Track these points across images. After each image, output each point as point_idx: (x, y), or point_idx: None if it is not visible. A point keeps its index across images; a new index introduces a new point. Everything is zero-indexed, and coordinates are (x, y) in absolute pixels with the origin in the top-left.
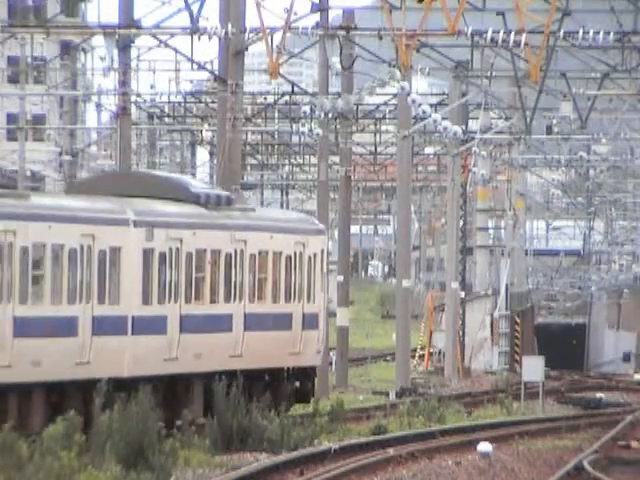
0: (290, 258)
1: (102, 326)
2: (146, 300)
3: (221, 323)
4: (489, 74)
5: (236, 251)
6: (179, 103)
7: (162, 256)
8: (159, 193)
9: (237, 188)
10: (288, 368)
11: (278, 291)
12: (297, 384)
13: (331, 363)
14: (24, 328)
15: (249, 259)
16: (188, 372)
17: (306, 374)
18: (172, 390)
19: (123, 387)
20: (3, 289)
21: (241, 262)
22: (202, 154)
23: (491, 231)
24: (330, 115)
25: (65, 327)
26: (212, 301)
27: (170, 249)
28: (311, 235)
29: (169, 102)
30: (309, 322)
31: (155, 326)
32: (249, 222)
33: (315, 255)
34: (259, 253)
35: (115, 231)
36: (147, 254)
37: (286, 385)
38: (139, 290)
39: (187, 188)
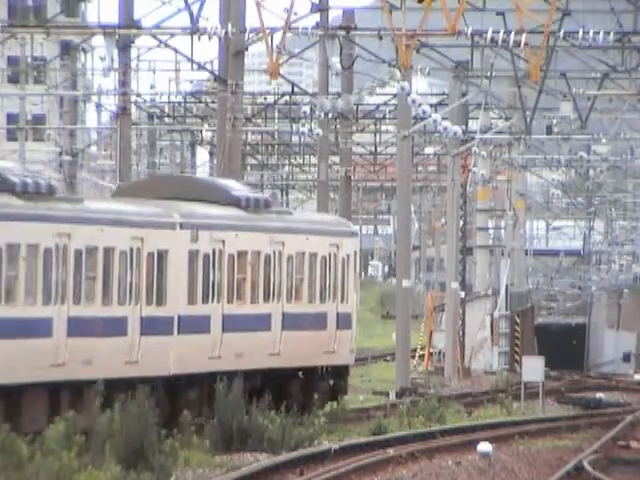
0: (325, 259)
1: (150, 326)
2: (191, 300)
3: (261, 322)
4: (489, 74)
5: (274, 252)
6: (179, 103)
7: (206, 257)
8: (201, 196)
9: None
10: (322, 367)
11: (314, 291)
12: (331, 382)
13: None
14: (77, 328)
15: (287, 260)
16: (230, 370)
17: (339, 373)
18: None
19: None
20: (59, 290)
21: (279, 263)
22: (202, 154)
23: (491, 231)
24: (330, 115)
25: (115, 327)
26: (252, 301)
27: (214, 250)
28: (344, 237)
29: (169, 102)
30: (343, 322)
31: (199, 325)
32: (287, 224)
33: (348, 256)
34: (296, 254)
35: (163, 234)
36: (192, 255)
37: (320, 383)
38: (185, 291)
39: (228, 191)
